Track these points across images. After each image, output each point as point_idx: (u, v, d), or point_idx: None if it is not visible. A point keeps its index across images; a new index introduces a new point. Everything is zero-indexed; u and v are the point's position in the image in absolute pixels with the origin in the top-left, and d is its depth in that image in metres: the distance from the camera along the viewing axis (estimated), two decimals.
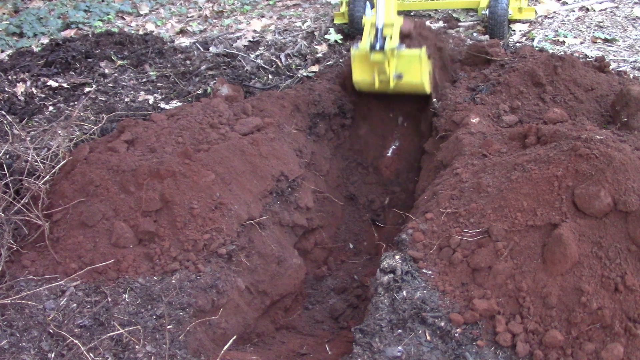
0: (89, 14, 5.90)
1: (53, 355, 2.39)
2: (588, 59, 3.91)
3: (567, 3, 4.97)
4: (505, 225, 2.49)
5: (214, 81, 4.26)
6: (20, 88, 4.25)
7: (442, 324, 2.31)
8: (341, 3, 5.07)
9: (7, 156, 3.31)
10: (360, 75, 3.81)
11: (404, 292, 2.43)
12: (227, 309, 2.81)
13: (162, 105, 4.11)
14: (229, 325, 2.82)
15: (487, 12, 4.49)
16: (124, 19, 5.94)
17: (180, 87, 4.33)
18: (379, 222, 4.07)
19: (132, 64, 4.62)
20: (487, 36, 4.54)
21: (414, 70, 3.67)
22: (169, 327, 2.50)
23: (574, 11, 4.85)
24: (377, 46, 3.49)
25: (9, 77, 4.41)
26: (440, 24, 4.90)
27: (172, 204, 2.89)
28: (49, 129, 3.69)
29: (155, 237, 2.85)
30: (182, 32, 5.47)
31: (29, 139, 3.59)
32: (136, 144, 3.24)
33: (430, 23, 4.93)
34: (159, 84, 4.40)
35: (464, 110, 3.52)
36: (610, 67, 3.68)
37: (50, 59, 4.60)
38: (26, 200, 2.97)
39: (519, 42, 4.45)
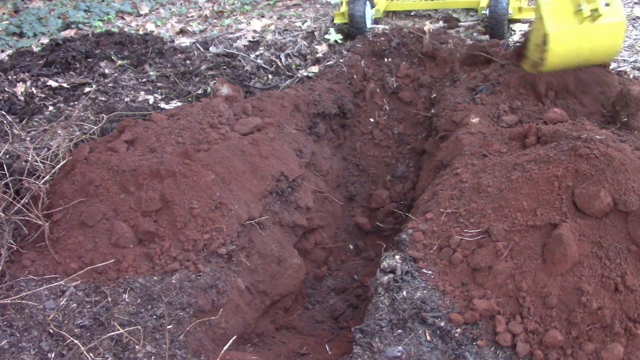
0: (89, 14, 5.90)
1: (53, 355, 2.39)
2: None
3: None
4: (505, 225, 2.49)
5: (214, 81, 4.26)
6: (20, 88, 4.25)
7: (442, 324, 2.31)
8: (341, 3, 5.07)
9: (7, 156, 3.31)
10: (558, 22, 3.27)
11: (404, 292, 2.43)
12: (227, 309, 2.81)
13: (162, 105, 4.11)
14: (229, 325, 2.82)
15: (487, 12, 4.49)
16: (124, 19, 5.94)
17: (180, 87, 4.33)
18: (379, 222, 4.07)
19: (132, 64, 4.62)
20: (487, 36, 4.54)
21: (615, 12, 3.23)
22: (169, 327, 2.50)
23: None
24: None
25: (9, 77, 4.41)
26: (440, 24, 4.90)
27: (172, 204, 2.89)
28: (49, 129, 3.69)
29: (155, 237, 2.85)
30: (182, 32, 5.47)
31: (29, 139, 3.59)
32: (136, 144, 3.24)
33: (430, 23, 4.94)
34: (159, 84, 4.40)
35: (464, 110, 3.52)
36: (610, 67, 3.68)
37: (50, 59, 4.60)
38: (26, 200, 2.97)
39: (519, 42, 4.44)
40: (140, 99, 4.19)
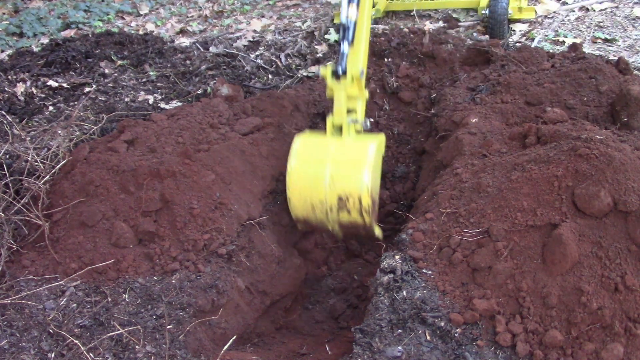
0: (89, 14, 5.91)
1: (53, 355, 2.39)
2: None
3: (567, 3, 4.97)
4: (505, 225, 2.49)
5: (214, 81, 4.27)
6: (20, 88, 4.25)
7: (442, 324, 2.31)
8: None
9: (7, 156, 3.31)
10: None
11: (404, 292, 2.43)
12: (227, 309, 2.81)
13: (162, 105, 4.11)
14: (229, 325, 2.82)
15: (487, 11, 4.49)
16: (124, 19, 5.94)
17: (180, 87, 4.33)
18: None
19: (132, 64, 4.62)
20: (487, 36, 4.54)
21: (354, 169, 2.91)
22: (169, 327, 2.50)
23: (574, 11, 4.85)
24: (339, 69, 2.88)
25: (9, 77, 4.41)
26: (440, 24, 4.90)
27: (172, 204, 2.89)
28: (49, 129, 3.69)
29: (155, 237, 2.85)
30: (182, 32, 5.47)
31: (29, 139, 3.59)
32: (136, 144, 3.24)
33: (430, 23, 4.94)
34: (159, 84, 4.40)
35: (464, 110, 3.52)
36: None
37: (50, 59, 4.60)
38: (26, 200, 2.97)
39: (519, 42, 4.45)
40: (140, 99, 4.19)
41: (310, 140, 3.07)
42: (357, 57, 2.99)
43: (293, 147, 3.04)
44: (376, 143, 3.00)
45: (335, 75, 2.91)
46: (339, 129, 3.02)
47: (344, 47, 2.89)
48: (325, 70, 2.94)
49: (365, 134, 3.14)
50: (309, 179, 2.97)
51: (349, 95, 2.97)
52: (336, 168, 2.93)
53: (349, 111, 3.02)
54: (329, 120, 3.02)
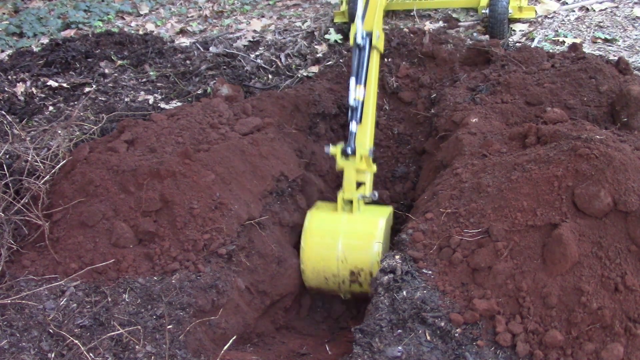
0: (89, 14, 5.91)
1: (53, 355, 2.39)
2: None
3: (567, 3, 4.97)
4: (505, 225, 2.49)
5: (214, 81, 4.27)
6: (20, 88, 4.25)
7: (442, 324, 2.31)
8: (341, 2, 5.07)
9: (7, 156, 3.31)
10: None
11: (404, 292, 2.43)
12: (227, 309, 2.81)
13: (162, 105, 4.11)
14: (229, 325, 2.82)
15: (487, 11, 4.49)
16: (124, 19, 5.94)
17: (180, 87, 4.33)
18: None
19: (132, 64, 4.62)
20: (487, 36, 4.54)
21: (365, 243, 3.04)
22: (169, 327, 2.50)
23: (574, 11, 4.84)
24: (349, 149, 2.99)
25: (9, 77, 4.41)
26: (440, 24, 4.90)
27: (172, 204, 2.89)
28: (49, 129, 3.69)
29: (155, 237, 2.85)
30: (182, 32, 5.47)
31: (29, 139, 3.59)
32: (136, 144, 3.24)
33: (431, 23, 4.94)
34: (159, 84, 4.40)
35: (464, 110, 3.52)
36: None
37: (50, 59, 4.60)
38: (26, 200, 2.97)
39: (519, 42, 4.45)
40: (140, 99, 4.19)
41: (322, 215, 3.21)
42: (364, 135, 3.18)
43: (305, 223, 3.19)
44: (385, 217, 3.14)
45: (345, 154, 3.05)
46: (349, 202, 3.16)
47: (352, 126, 3.03)
48: (335, 150, 3.09)
49: (374, 206, 3.28)
50: (322, 255, 3.11)
51: (358, 169, 3.12)
52: (348, 244, 3.07)
53: (358, 184, 3.17)
54: (340, 196, 3.16)
